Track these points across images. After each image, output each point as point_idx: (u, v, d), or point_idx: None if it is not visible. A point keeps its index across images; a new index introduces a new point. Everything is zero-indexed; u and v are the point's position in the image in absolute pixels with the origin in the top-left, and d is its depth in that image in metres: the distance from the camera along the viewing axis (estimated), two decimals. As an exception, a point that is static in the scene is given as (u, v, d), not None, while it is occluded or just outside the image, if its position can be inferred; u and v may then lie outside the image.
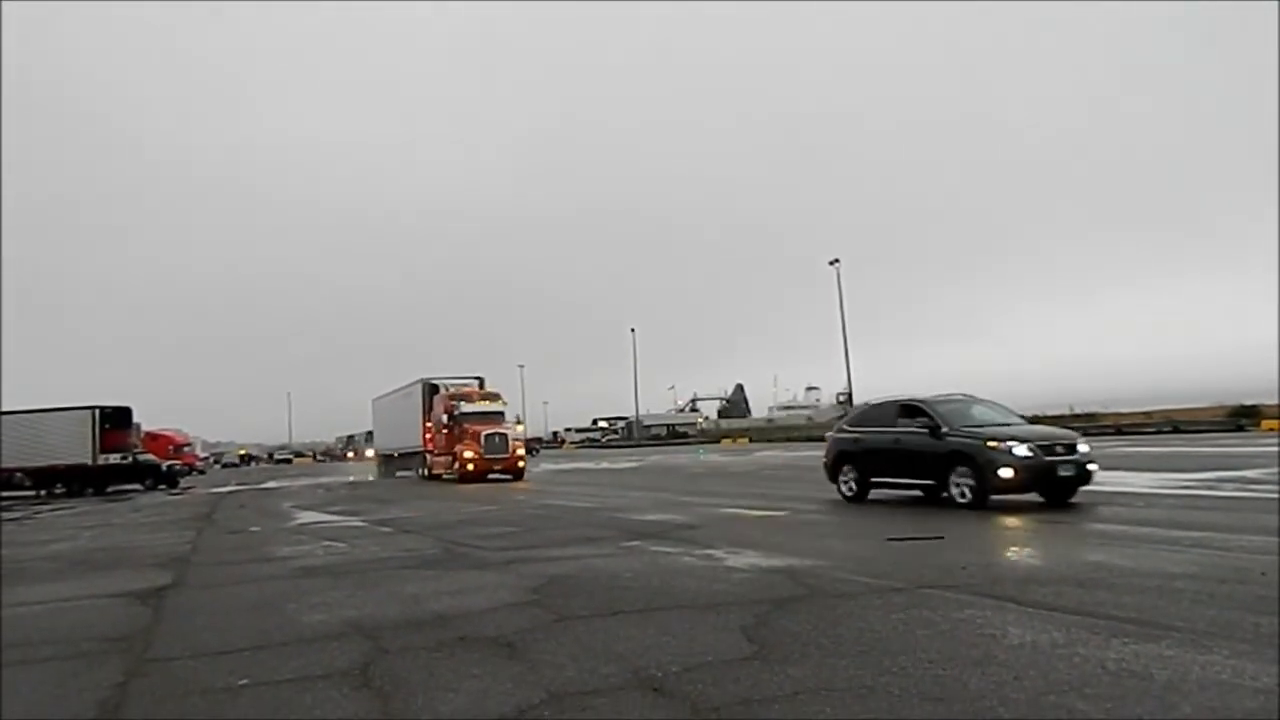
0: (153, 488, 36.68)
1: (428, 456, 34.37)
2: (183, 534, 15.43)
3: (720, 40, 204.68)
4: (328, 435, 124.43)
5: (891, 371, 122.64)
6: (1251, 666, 4.46)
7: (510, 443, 31.01)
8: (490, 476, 30.02)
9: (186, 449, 56.34)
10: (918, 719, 3.96)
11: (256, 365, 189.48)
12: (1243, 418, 50.85)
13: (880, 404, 15.90)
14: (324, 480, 39.51)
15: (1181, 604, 6.04)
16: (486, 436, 30.27)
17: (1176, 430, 49.03)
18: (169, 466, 39.32)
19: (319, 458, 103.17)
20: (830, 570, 8.11)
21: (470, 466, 29.93)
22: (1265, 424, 47.68)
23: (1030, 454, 12.90)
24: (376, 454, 47.11)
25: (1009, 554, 9.14)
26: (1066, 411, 67.20)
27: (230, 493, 31.68)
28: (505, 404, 33.36)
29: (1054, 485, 13.23)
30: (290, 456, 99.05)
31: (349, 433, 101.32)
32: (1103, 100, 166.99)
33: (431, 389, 35.15)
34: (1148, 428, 51.65)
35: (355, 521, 16.37)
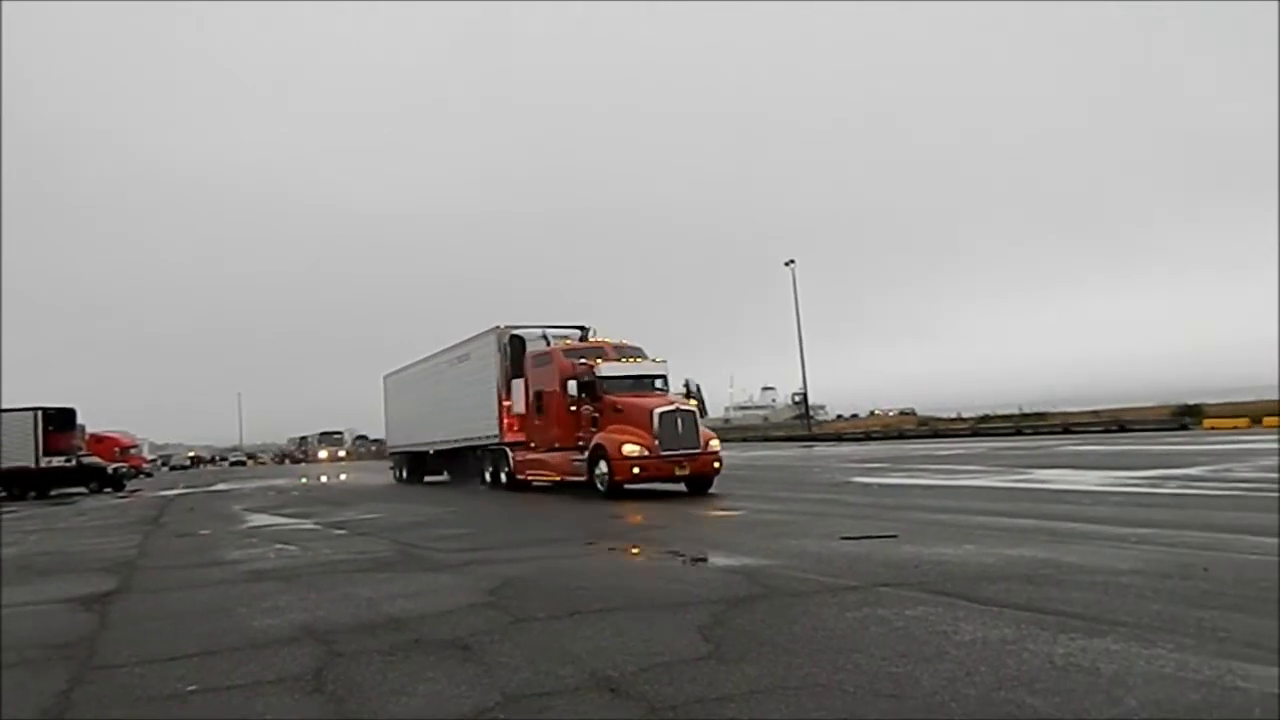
0: (98, 491, 35.89)
1: (510, 452, 22.80)
2: (129, 538, 15.11)
3: (677, 42, 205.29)
4: (279, 437, 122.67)
5: (844, 372, 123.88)
6: (1194, 660, 4.56)
7: (700, 429, 18.61)
8: (645, 483, 18.29)
9: (133, 451, 55.31)
10: (872, 716, 4.00)
11: (205, 367, 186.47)
12: (1186, 417, 52.20)
13: None
14: (278, 483, 38.90)
15: (1127, 599, 6.17)
16: (663, 416, 17.97)
17: (1122, 429, 50.07)
18: (115, 469, 38.47)
19: (285, 459, 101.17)
20: (786, 569, 8.16)
21: (635, 469, 17.76)
22: (1207, 423, 49.01)
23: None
24: (392, 452, 35.98)
25: (959, 550, 9.26)
26: (1015, 411, 68.40)
27: (179, 495, 31.10)
28: (667, 367, 20.57)
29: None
30: (244, 459, 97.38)
31: (302, 434, 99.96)
32: (1052, 106, 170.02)
33: (517, 343, 23.10)
34: (1095, 426, 52.68)
35: (308, 524, 16.15)
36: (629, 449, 17.86)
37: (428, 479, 30.72)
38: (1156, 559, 7.86)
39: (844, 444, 54.01)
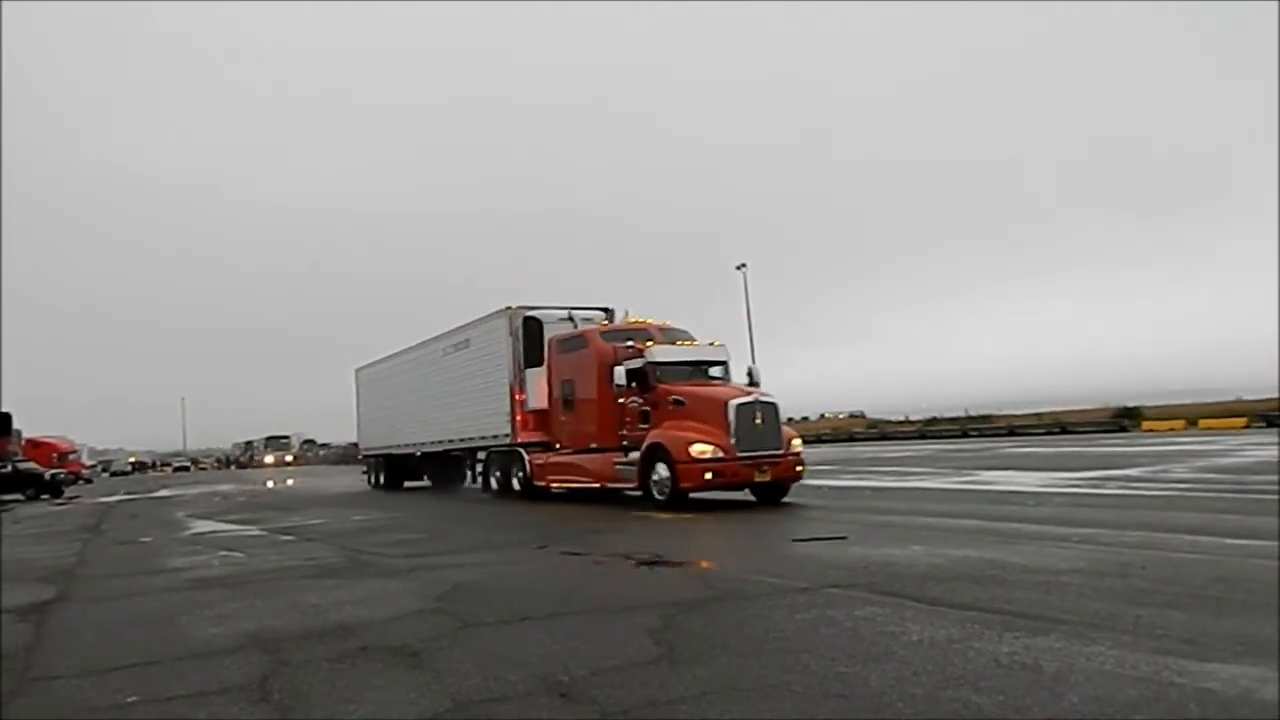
0: (35, 498, 34.89)
1: (525, 456, 19.40)
2: (68, 545, 14.71)
3: (624, 44, 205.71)
4: (224, 442, 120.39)
5: (793, 375, 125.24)
6: (1132, 656, 4.67)
7: (782, 424, 15.67)
8: (717, 489, 15.14)
9: (71, 457, 53.93)
10: (822, 716, 4.04)
11: (147, 371, 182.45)
12: (1125, 419, 53.61)
13: None
14: (223, 488, 38.19)
15: (1069, 598, 6.30)
16: (741, 409, 14.84)
17: (1065, 431, 51.26)
18: (53, 475, 37.43)
19: (230, 464, 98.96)
20: (737, 571, 8.20)
21: (707, 474, 14.54)
22: (1145, 425, 50.33)
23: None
24: (367, 455, 31.90)
25: (907, 551, 9.38)
26: (962, 414, 69.64)
27: (120, 502, 30.37)
28: (727, 352, 17.31)
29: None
30: (188, 464, 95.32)
31: (248, 438, 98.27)
32: (994, 104, 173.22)
33: (533, 327, 19.81)
34: (1038, 429, 53.86)
35: (254, 530, 15.87)
36: (699, 449, 14.63)
37: (408, 484, 28.32)
38: (1097, 558, 8.04)
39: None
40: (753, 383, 17.06)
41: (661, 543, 10.70)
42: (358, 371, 32.46)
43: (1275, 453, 23.32)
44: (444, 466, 26.09)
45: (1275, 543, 8.35)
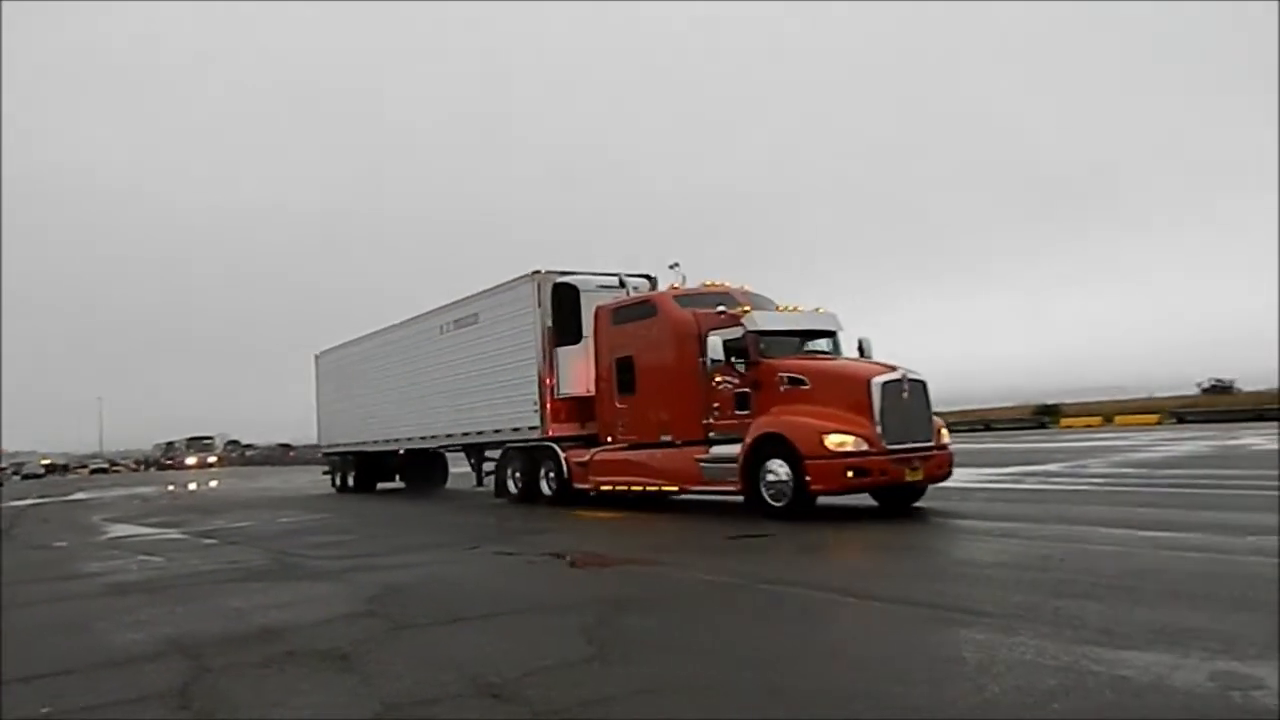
0: (-60, 502, 33.43)
1: (560, 453, 15.97)
2: (-25, 552, 14.11)
3: (545, 43, 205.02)
4: (145, 443, 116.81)
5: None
6: (1052, 646, 4.81)
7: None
8: (858, 492, 12.11)
9: (-20, 459, 51.72)
10: (753, 713, 4.08)
11: (61, 371, 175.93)
12: (1045, 416, 55.30)
13: None
14: (142, 491, 37.04)
15: (992, 590, 6.47)
16: (888, 389, 11.84)
17: (988, 428, 52.59)
18: (-41, 478, 35.91)
19: (150, 466, 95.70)
20: (670, 568, 8.24)
21: (850, 471, 11.43)
22: (1064, 422, 51.98)
23: None
24: (329, 454, 27.92)
25: (836, 548, 9.52)
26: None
27: (32, 505, 29.25)
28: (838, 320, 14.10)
29: None
30: (106, 465, 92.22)
31: (169, 439, 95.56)
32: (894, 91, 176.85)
33: (567, 295, 16.44)
34: (962, 426, 55.17)
35: (175, 534, 15.43)
36: (837, 440, 11.32)
37: (382, 486, 25.35)
38: (1018, 551, 8.26)
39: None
40: (864, 358, 13.65)
41: (593, 542, 10.67)
42: (319, 357, 28.40)
43: (1182, 448, 24.26)
44: (421, 465, 23.66)
45: (1181, 534, 8.68)
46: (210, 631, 6.51)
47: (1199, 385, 62.27)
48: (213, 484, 41.28)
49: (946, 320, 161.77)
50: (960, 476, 17.99)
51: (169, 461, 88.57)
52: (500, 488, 18.05)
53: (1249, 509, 10.32)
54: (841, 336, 13.77)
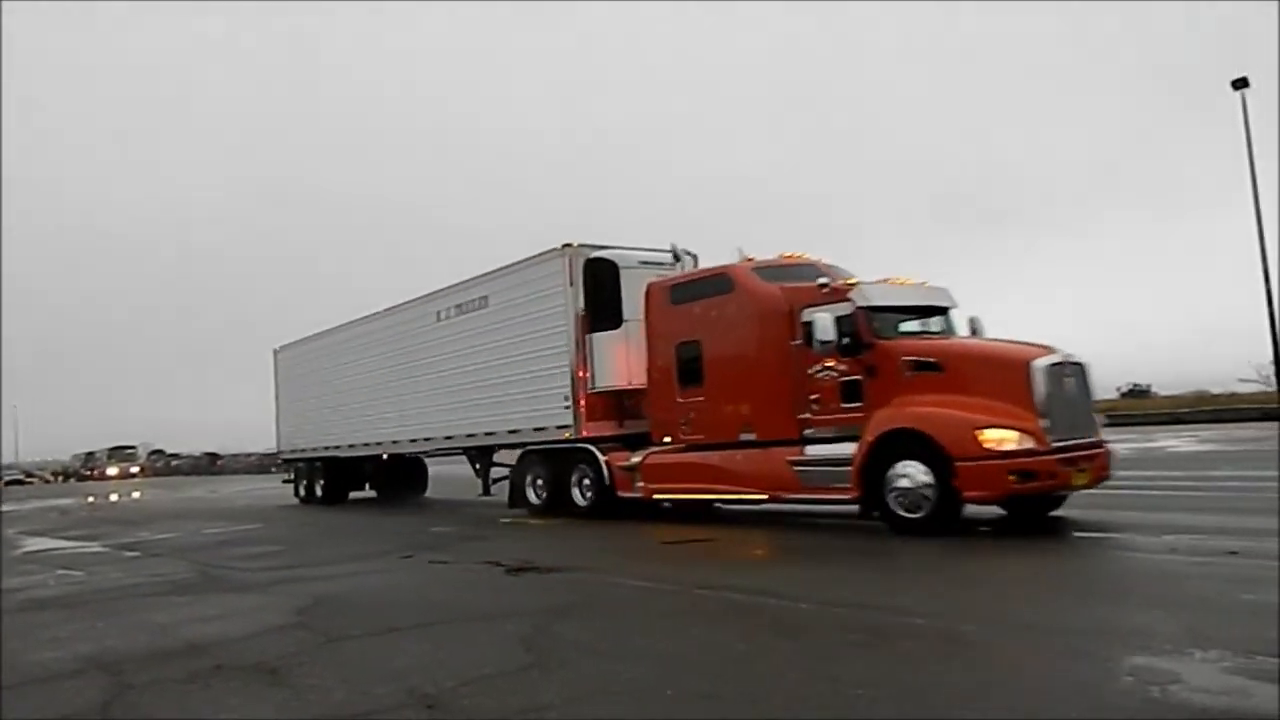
0: None
1: (600, 456, 13.85)
2: (-121, 569, 13.47)
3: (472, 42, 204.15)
4: (63, 453, 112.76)
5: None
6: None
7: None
8: (1021, 496, 9.67)
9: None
10: (690, 717, 4.08)
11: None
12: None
13: None
14: (61, 503, 35.76)
15: (919, 592, 6.58)
16: (1052, 374, 9.70)
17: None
18: None
19: (69, 477, 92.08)
20: (607, 575, 8.22)
21: (1012, 475, 9.17)
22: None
23: None
24: (291, 459, 25.10)
25: (772, 553, 9.60)
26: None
27: (-59, 519, 28.04)
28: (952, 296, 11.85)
29: None
30: (21, 476, 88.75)
31: (89, 449, 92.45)
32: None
33: (604, 272, 14.25)
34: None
35: (95, 547, 14.92)
36: (997, 436, 9.34)
37: (354, 495, 23.07)
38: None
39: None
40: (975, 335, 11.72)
41: (529, 549, 10.59)
42: (279, 352, 25.36)
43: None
44: (399, 472, 21.82)
45: (1105, 535, 8.95)
46: (133, 647, 6.30)
47: (1118, 389, 64.34)
48: (136, 495, 40.05)
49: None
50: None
51: (89, 472, 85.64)
52: (517, 497, 15.37)
53: (1166, 509, 10.66)
54: (955, 314, 11.62)
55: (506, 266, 15.71)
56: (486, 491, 16.83)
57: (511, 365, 15.44)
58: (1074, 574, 7.41)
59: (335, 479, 22.68)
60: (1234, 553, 7.22)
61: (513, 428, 15.50)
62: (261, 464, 67.92)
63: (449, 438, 17.69)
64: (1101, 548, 8.52)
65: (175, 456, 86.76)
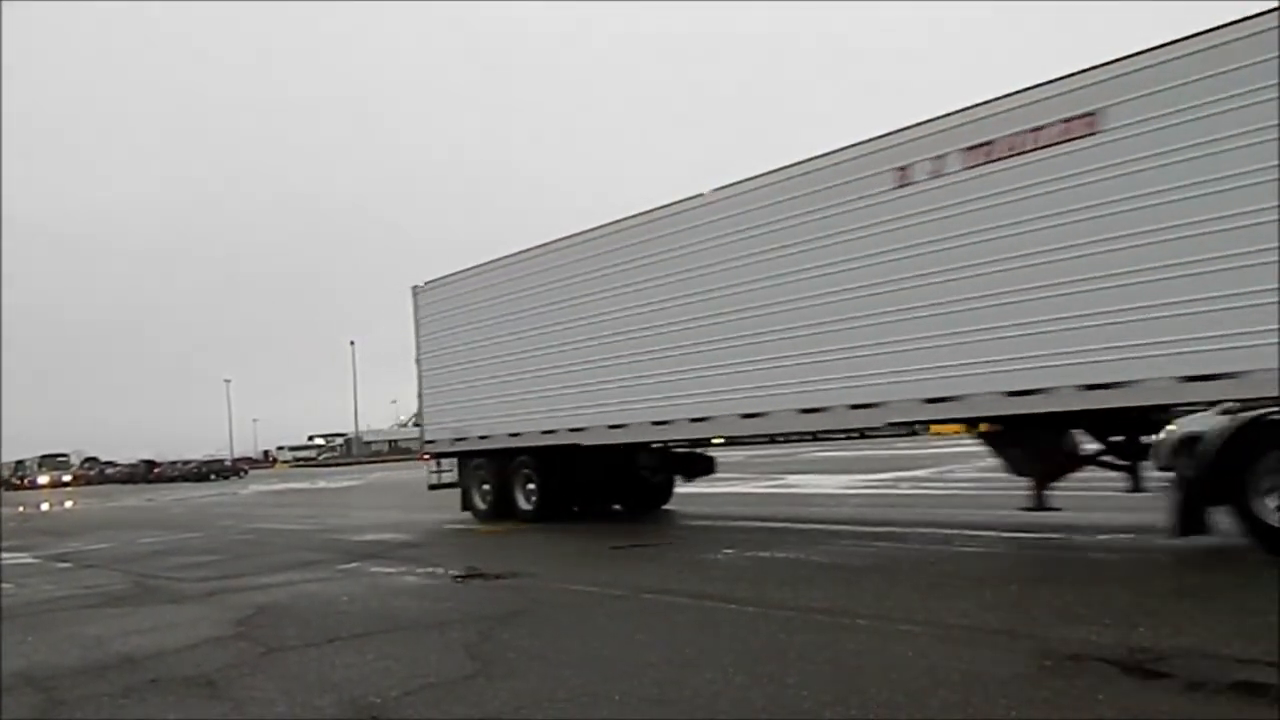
0: None
1: None
2: None
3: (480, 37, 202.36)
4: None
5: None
6: (928, 646, 5.00)
7: None
8: None
9: None
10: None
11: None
12: (915, 424, 57.56)
13: None
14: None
15: (866, 594, 6.68)
16: None
17: (863, 436, 54.29)
18: None
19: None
20: (554, 581, 8.20)
21: None
22: (933, 429, 54.16)
23: None
24: (467, 453, 15.36)
25: (718, 556, 9.65)
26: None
27: None
28: None
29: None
30: None
31: (18, 458, 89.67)
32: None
33: None
34: (838, 434, 56.86)
35: (25, 558, 14.45)
36: None
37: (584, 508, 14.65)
38: (892, 555, 8.55)
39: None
40: None
41: (474, 556, 10.55)
42: (424, 290, 16.43)
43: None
44: (678, 469, 14.61)
45: (1043, 535, 9.15)
46: (65, 661, 6.12)
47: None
48: (68, 504, 38.92)
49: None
50: (835, 483, 18.61)
51: (19, 481, 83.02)
52: (1191, 521, 7.39)
53: (1103, 509, 10.93)
54: None
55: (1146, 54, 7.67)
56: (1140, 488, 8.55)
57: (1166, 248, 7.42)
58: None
59: (560, 480, 14.16)
60: None
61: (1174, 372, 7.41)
62: (199, 471, 66.50)
63: (948, 400, 9.05)
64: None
65: (110, 464, 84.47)
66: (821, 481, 19.37)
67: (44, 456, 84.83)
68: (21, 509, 35.48)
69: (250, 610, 7.67)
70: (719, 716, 4.06)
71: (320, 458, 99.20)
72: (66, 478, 79.00)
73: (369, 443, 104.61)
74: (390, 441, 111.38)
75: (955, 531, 9.88)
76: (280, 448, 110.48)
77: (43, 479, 77.91)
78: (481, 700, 4.53)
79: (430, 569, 9.56)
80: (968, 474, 18.85)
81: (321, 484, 40.02)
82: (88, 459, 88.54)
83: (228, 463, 71.16)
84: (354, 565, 10.36)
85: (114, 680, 5.48)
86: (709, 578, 7.87)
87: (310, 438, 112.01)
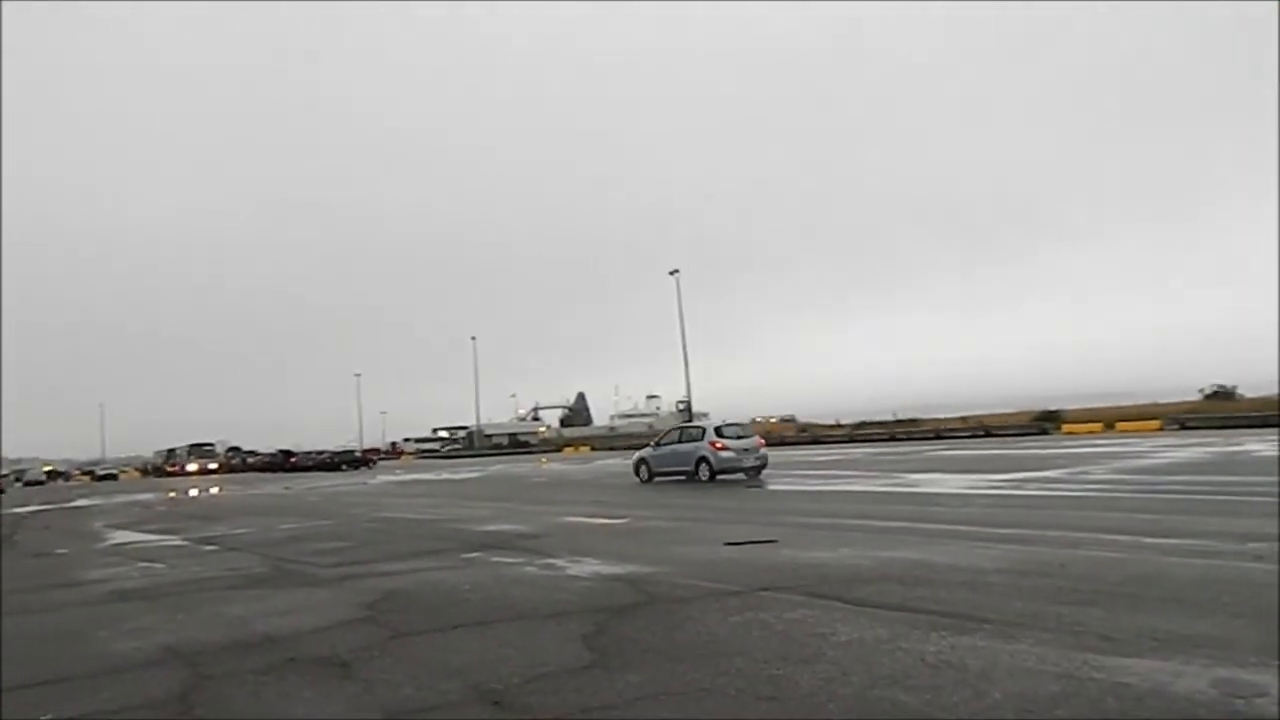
0: (-60, 509, 33.42)
1: None
2: (-24, 559, 14.11)
3: (534, 41, 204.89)
4: (146, 449, 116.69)
5: (727, 380, 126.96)
6: (1053, 653, 4.81)
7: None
8: None
9: (-20, 466, 51.71)
10: (753, 718, 4.08)
11: (64, 377, 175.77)
12: (1045, 422, 55.33)
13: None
14: (143, 497, 37.02)
15: (993, 597, 6.46)
16: None
17: (988, 434, 52.50)
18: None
19: (152, 472, 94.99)
20: (669, 575, 8.23)
21: None
22: (1065, 428, 52.02)
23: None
24: None
25: (835, 554, 9.51)
26: (890, 418, 71.13)
27: (34, 512, 29.24)
28: None
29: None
30: (115, 472, 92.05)
31: (170, 446, 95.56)
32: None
33: None
34: (963, 432, 55.15)
35: (176, 540, 15.42)
36: None
37: None
38: (1019, 557, 8.25)
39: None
40: None
41: (591, 548, 10.68)
42: None
43: (1184, 454, 24.24)
44: None
45: (1183, 541, 8.67)
46: (210, 639, 6.51)
47: (1201, 391, 62.21)
48: (214, 490, 41.29)
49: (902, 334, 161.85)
50: (960, 483, 18.02)
51: (171, 468, 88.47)
52: None
53: (1250, 515, 10.31)
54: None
55: None
56: None
57: None
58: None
59: None
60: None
61: None
62: (332, 461, 69.41)
63: None
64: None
65: (251, 454, 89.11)
66: (944, 480, 18.75)
67: (193, 445, 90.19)
68: (173, 494, 37.79)
69: (378, 595, 7.98)
70: (832, 716, 4.01)
71: (444, 450, 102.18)
72: (213, 465, 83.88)
73: (489, 435, 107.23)
74: (510, 435, 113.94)
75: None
76: (406, 439, 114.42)
77: (191, 466, 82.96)
78: (598, 691, 4.59)
79: (548, 560, 9.73)
80: (1103, 475, 17.98)
81: (445, 475, 41.22)
82: (231, 448, 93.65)
83: (357, 453, 73.96)
84: (476, 555, 10.64)
85: (256, 658, 5.79)
86: (825, 576, 7.76)
87: (434, 430, 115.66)
